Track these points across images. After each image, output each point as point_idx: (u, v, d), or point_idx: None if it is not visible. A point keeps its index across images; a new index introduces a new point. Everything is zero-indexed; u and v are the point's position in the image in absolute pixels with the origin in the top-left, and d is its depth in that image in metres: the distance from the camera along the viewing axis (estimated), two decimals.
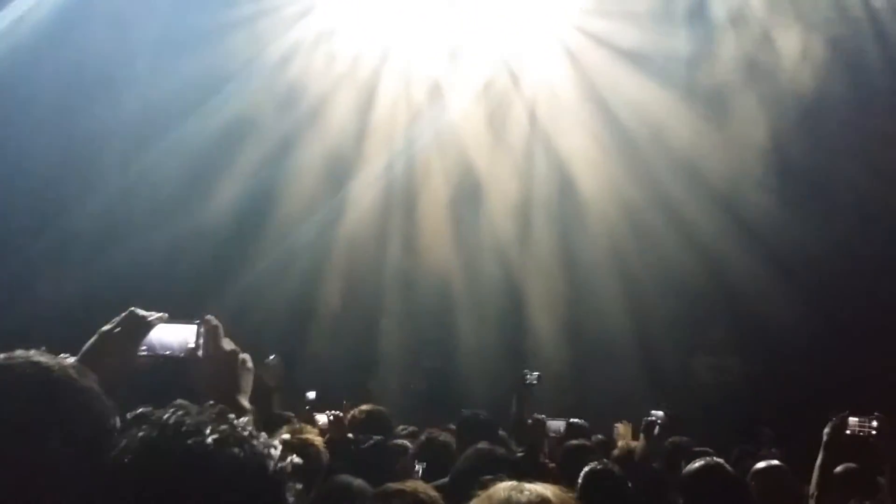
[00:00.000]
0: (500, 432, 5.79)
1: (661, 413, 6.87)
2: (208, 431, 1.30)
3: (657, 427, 6.22)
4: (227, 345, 2.32)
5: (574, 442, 5.44)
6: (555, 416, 7.07)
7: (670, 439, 6.18)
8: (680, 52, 12.32)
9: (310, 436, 4.09)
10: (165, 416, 1.35)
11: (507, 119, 12.92)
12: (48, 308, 10.30)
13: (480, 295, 12.63)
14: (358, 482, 3.43)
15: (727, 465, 4.13)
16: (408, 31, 12.49)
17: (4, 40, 11.09)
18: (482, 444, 4.07)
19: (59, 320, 9.62)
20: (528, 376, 6.18)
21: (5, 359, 1.79)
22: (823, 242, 11.64)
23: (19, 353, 1.81)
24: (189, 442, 1.29)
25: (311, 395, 6.69)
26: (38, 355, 1.81)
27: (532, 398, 6.26)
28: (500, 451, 4.03)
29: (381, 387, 11.53)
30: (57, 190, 11.40)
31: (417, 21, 12.43)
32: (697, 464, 4.07)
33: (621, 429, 7.27)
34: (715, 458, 4.21)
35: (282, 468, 1.33)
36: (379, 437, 5.00)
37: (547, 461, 5.61)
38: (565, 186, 12.74)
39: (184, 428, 1.31)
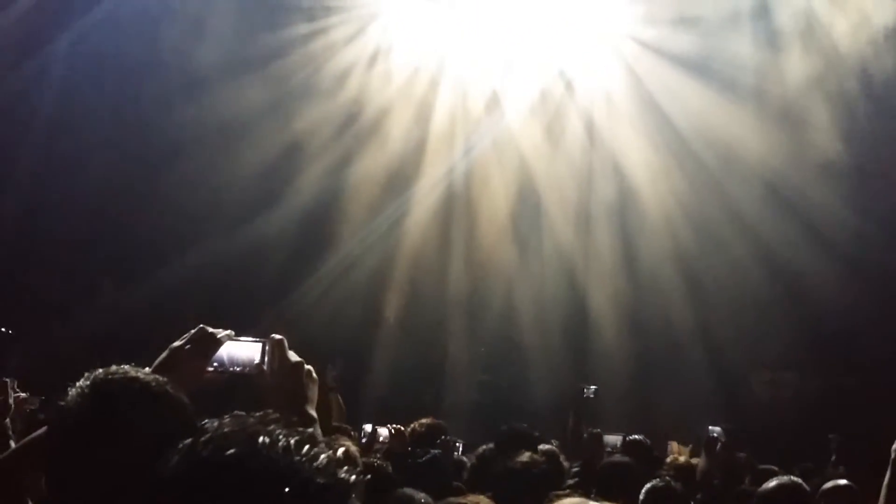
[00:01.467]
0: (548, 445, 5.75)
1: (719, 429, 6.75)
2: (284, 442, 1.26)
3: (719, 444, 6.13)
4: (293, 357, 2.37)
5: (612, 459, 5.38)
6: (617, 430, 7.00)
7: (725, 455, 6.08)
8: (739, 57, 12.11)
9: (346, 443, 4.12)
10: (232, 428, 1.29)
11: (566, 128, 12.88)
12: (112, 317, 10.55)
13: (540, 307, 12.57)
14: (420, 495, 3.46)
15: (804, 485, 4.06)
16: (465, 43, 12.57)
17: (68, 61, 11.43)
18: (521, 458, 4.06)
19: (122, 329, 9.89)
20: (586, 390, 6.16)
21: (105, 374, 1.89)
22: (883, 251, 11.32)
23: (116, 368, 1.91)
24: (266, 454, 1.24)
25: (368, 427, 6.55)
26: (134, 371, 1.92)
27: (592, 411, 6.22)
28: (541, 464, 4.01)
29: (437, 400, 11.55)
30: (121, 202, 11.69)
31: (474, 32, 12.50)
32: (775, 482, 4.00)
33: (674, 446, 7.17)
34: (792, 478, 4.13)
35: (345, 480, 1.27)
36: (437, 451, 5.02)
37: None
38: (626, 196, 12.64)
39: (260, 438, 1.26)
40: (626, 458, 5.53)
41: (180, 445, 1.29)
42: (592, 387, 6.27)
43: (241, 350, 2.30)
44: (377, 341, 12.30)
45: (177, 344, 2.33)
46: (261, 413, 1.35)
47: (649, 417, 10.40)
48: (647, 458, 6.02)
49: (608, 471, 5.14)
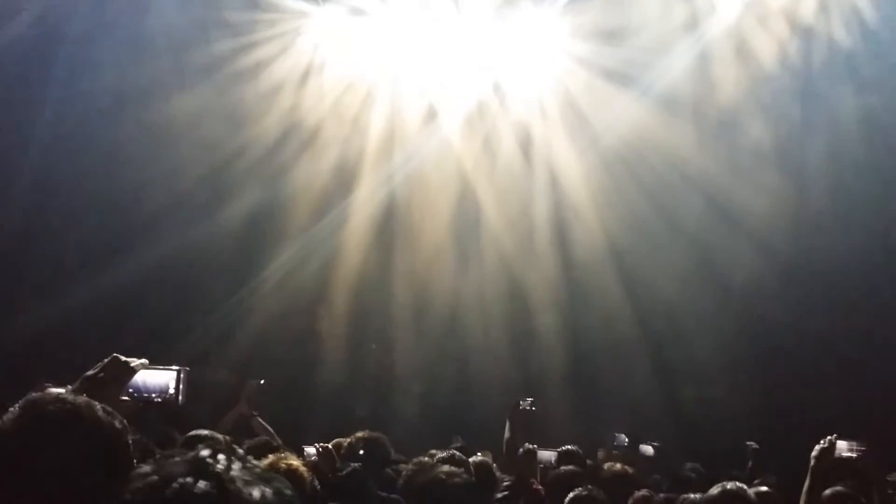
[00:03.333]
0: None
1: (623, 436, 6.87)
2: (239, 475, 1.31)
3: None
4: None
5: (563, 468, 5.44)
6: (555, 440, 7.06)
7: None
8: (671, 69, 12.25)
9: (294, 462, 4.12)
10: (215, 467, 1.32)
11: (503, 141, 12.94)
12: (34, 333, 10.31)
13: (480, 318, 12.59)
14: None
15: (748, 490, 4.12)
16: (399, 58, 12.60)
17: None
18: (442, 469, 4.08)
19: (48, 344, 9.68)
20: (522, 402, 6.15)
21: (38, 397, 1.92)
22: (821, 259, 11.55)
23: (50, 391, 1.93)
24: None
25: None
26: (66, 394, 1.97)
27: (529, 423, 6.20)
28: (461, 475, 4.02)
29: (372, 413, 11.52)
30: (47, 213, 11.44)
31: (408, 47, 12.53)
32: (718, 488, 4.06)
33: (603, 454, 7.28)
34: (737, 483, 4.19)
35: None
36: (356, 465, 5.01)
37: (538, 487, 5.62)
38: (565, 208, 12.73)
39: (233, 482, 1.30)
40: (576, 468, 5.61)
41: (141, 473, 1.32)
42: (529, 399, 6.23)
43: (155, 378, 2.31)
44: (313, 355, 12.24)
45: (89, 373, 2.32)
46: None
47: (586, 427, 10.52)
48: (581, 468, 6.12)
49: (558, 480, 5.22)
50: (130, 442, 1.92)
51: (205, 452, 1.33)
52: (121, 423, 1.90)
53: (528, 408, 6.13)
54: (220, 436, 4.71)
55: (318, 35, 12.42)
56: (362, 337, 12.62)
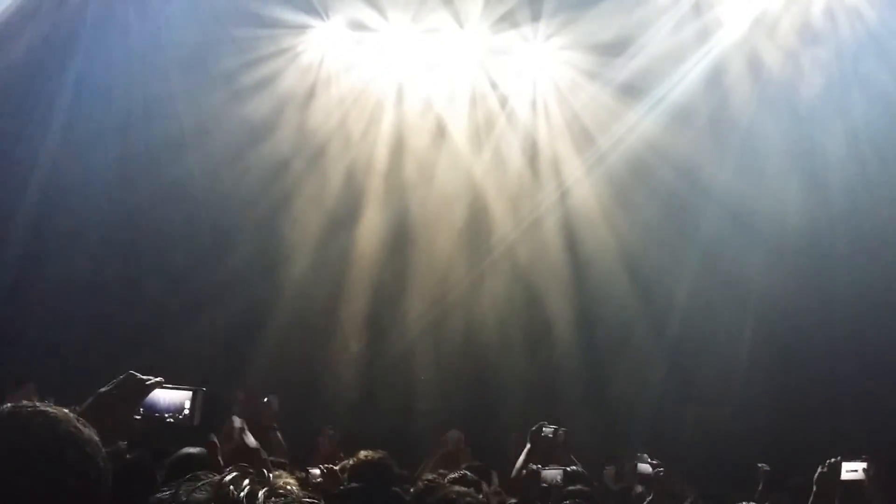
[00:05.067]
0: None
1: (646, 456, 6.84)
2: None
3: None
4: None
5: (571, 488, 5.41)
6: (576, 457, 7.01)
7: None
8: (682, 82, 12.21)
9: (289, 481, 4.08)
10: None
11: (513, 153, 12.96)
12: (42, 349, 10.31)
13: (493, 334, 12.56)
14: None
15: None
16: (405, 72, 12.64)
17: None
18: (454, 488, 4.05)
19: (52, 362, 9.68)
20: (545, 428, 5.99)
21: (14, 408, 1.87)
22: (838, 268, 11.46)
23: (27, 403, 1.89)
24: None
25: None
26: (45, 406, 1.89)
27: (552, 451, 6.08)
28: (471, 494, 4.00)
29: (374, 429, 11.47)
30: (54, 229, 11.46)
31: (415, 62, 12.58)
32: None
33: (611, 473, 7.25)
34: None
35: None
36: (359, 485, 4.98)
37: None
38: (580, 221, 12.72)
39: None
40: (584, 487, 5.57)
41: (161, 498, 1.31)
42: (552, 427, 6.02)
43: (170, 398, 2.29)
44: (325, 370, 12.21)
45: (104, 390, 2.31)
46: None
47: (602, 443, 10.47)
48: (589, 487, 6.07)
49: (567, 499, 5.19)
50: (105, 456, 1.87)
51: (228, 478, 1.31)
52: (94, 434, 1.87)
53: (550, 435, 5.99)
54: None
55: (323, 50, 12.47)
56: (375, 351, 12.58)
